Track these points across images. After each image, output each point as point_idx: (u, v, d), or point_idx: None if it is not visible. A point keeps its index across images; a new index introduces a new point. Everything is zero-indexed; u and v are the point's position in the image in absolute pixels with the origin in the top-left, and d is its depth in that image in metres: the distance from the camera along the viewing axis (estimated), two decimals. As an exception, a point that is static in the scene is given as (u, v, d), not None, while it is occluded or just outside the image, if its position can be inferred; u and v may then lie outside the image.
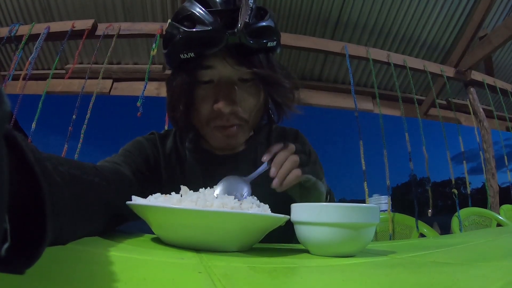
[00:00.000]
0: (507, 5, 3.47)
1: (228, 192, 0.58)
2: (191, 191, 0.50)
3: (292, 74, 0.76)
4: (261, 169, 0.62)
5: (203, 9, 0.63)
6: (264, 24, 0.66)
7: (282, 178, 0.59)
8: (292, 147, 0.62)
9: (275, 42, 0.68)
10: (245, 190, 0.60)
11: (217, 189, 0.59)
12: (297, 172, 0.60)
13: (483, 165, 3.32)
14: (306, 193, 0.66)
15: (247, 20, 0.62)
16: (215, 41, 0.62)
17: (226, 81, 0.67)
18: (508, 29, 3.05)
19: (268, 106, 0.75)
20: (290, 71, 0.76)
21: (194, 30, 0.63)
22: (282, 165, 0.59)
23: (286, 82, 0.71)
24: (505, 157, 3.26)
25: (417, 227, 2.11)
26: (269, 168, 0.60)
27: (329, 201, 0.74)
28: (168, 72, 3.38)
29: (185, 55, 0.65)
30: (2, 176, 0.15)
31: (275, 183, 0.59)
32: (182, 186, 0.51)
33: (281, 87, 0.70)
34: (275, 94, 0.71)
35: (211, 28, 0.61)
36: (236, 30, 0.61)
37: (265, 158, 0.61)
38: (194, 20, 0.63)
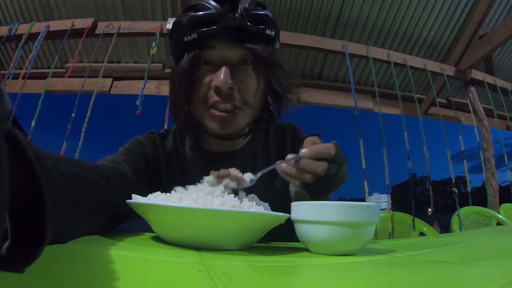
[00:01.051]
0: (507, 4, 3.47)
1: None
2: (192, 185, 0.51)
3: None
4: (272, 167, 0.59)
5: None
6: (262, 12, 0.69)
7: (292, 173, 0.56)
8: (324, 167, 0.54)
9: (273, 32, 0.70)
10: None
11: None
12: (300, 183, 0.57)
13: (483, 164, 3.32)
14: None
15: (246, 6, 0.66)
16: (216, 22, 0.65)
17: (226, 61, 0.68)
18: (508, 28, 3.05)
19: (268, 97, 0.75)
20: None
21: (197, 13, 0.67)
22: (305, 169, 0.55)
23: (285, 63, 0.73)
24: (505, 156, 3.26)
25: (414, 225, 2.10)
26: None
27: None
28: (168, 70, 3.38)
29: (188, 37, 0.67)
30: (3, 175, 0.15)
31: (281, 168, 0.56)
32: (176, 188, 0.51)
33: (280, 70, 0.72)
34: (274, 78, 0.72)
35: (212, 11, 0.66)
36: (236, 13, 0.65)
37: (304, 153, 0.54)
38: (199, 7, 0.67)
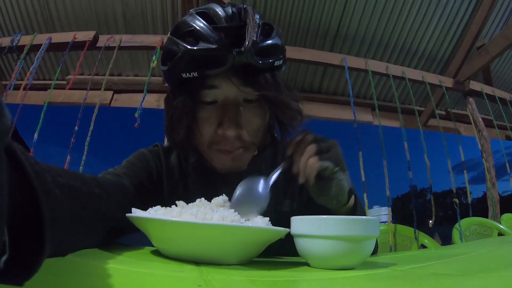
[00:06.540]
0: (504, 15, 3.52)
1: (246, 197, 0.57)
2: (191, 203, 0.50)
3: (295, 89, 0.72)
4: (280, 167, 0.61)
5: (207, 25, 0.59)
6: (271, 42, 0.62)
7: (302, 169, 0.56)
8: (309, 136, 0.59)
9: (281, 61, 0.65)
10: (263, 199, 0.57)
11: (236, 192, 0.57)
12: (314, 160, 0.56)
13: (486, 173, 3.30)
14: (324, 187, 0.58)
15: (254, 38, 0.58)
16: (221, 61, 0.58)
17: (231, 102, 0.63)
18: (505, 38, 3.08)
19: (272, 125, 0.73)
20: (294, 88, 0.72)
21: (197, 48, 0.58)
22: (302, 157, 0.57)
23: (293, 103, 0.68)
24: (507, 165, 3.24)
25: (416, 238, 2.09)
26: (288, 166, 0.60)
27: (357, 207, 0.66)
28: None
29: (187, 74, 0.60)
30: (2, 190, 0.16)
31: (300, 180, 0.57)
32: (178, 202, 0.50)
33: (289, 109, 0.67)
34: (282, 116, 0.68)
35: (216, 46, 0.57)
36: (243, 49, 0.57)
37: (289, 151, 0.60)
38: (197, 36, 0.59)
